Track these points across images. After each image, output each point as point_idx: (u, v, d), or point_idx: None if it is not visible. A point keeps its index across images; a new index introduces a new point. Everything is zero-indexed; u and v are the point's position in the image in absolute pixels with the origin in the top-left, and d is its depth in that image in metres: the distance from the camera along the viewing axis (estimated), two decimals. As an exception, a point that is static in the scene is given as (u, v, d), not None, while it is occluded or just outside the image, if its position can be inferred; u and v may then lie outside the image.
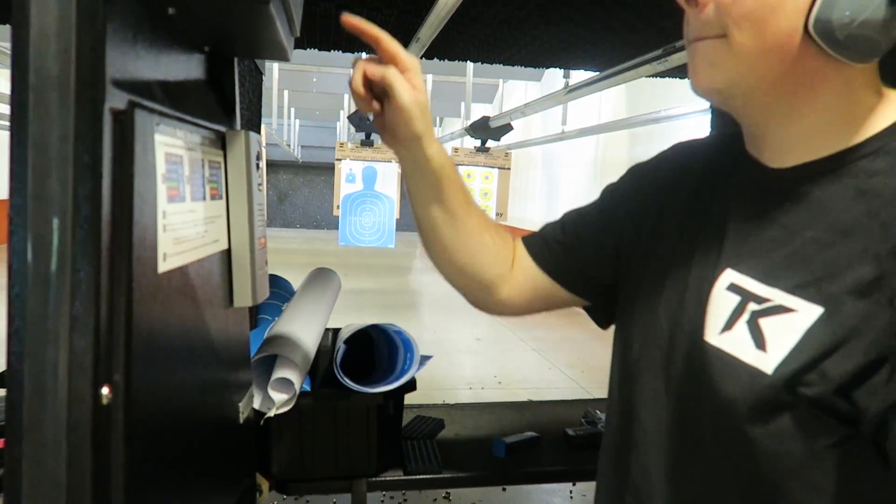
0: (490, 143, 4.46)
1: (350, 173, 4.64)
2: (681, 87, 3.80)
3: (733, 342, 0.63)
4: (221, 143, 0.77)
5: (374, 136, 3.91)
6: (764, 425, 0.60)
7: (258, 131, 1.41)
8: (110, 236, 0.47)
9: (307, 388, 1.21)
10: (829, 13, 0.57)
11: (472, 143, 4.59)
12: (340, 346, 1.17)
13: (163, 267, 0.56)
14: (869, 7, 0.56)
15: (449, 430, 1.56)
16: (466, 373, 5.18)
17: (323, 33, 1.74)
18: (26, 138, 0.42)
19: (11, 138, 0.43)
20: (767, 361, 0.60)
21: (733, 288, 0.65)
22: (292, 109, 10.17)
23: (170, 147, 0.58)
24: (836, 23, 0.57)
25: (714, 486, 0.66)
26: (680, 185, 0.78)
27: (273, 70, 7.01)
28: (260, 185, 0.83)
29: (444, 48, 1.94)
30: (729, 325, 0.64)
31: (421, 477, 1.29)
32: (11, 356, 0.44)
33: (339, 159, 4.68)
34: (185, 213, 0.62)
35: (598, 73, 2.35)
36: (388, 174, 4.05)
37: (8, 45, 0.43)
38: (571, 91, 3.00)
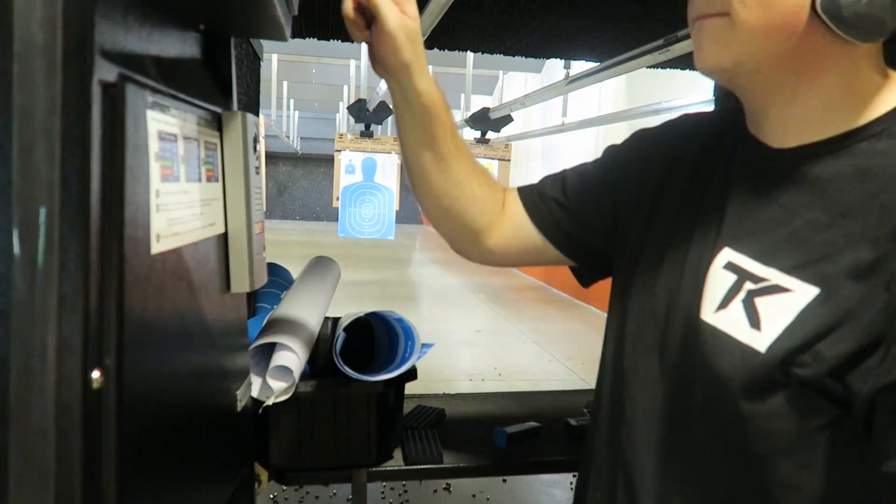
0: (490, 135, 4.44)
1: (349, 164, 4.62)
2: (682, 78, 3.79)
3: (728, 320, 0.63)
4: (218, 124, 0.75)
5: (374, 128, 3.89)
6: (756, 404, 0.60)
7: (258, 116, 1.39)
8: (100, 214, 0.45)
9: (307, 376, 1.19)
10: None
11: (472, 134, 4.58)
12: (340, 334, 1.16)
13: (156, 248, 0.54)
14: None
15: (450, 419, 1.55)
16: (466, 364, 5.18)
17: (321, 21, 1.72)
18: (10, 109, 0.40)
19: (-5, 109, 0.41)
20: (761, 340, 0.60)
21: (730, 267, 0.65)
22: (291, 101, 10.14)
23: (163, 124, 0.56)
24: (843, 1, 0.57)
25: (703, 462, 0.66)
26: (681, 159, 0.77)
27: (272, 60, 6.98)
28: (258, 168, 0.82)
29: (444, 38, 1.93)
30: (724, 304, 0.64)
31: (422, 467, 1.28)
32: (-3, 337, 0.42)
33: (339, 150, 4.66)
34: (179, 193, 0.60)
35: (598, 63, 2.33)
36: (388, 165, 4.04)
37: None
38: (572, 81, 2.98)
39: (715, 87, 1.72)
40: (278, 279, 1.48)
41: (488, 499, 2.91)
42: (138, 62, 0.53)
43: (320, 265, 1.41)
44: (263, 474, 1.12)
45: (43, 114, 0.41)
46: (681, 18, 0.68)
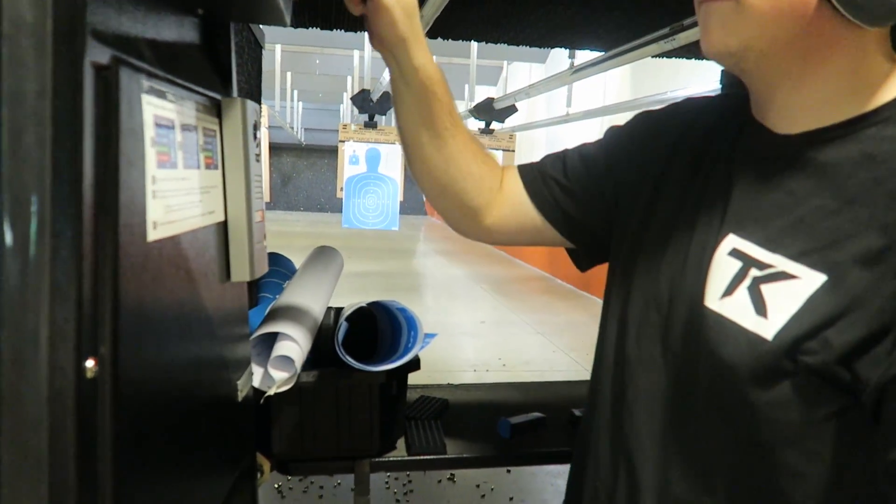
0: (494, 125, 4.42)
1: (353, 155, 4.61)
2: (687, 68, 3.75)
3: (733, 307, 0.62)
4: (217, 110, 0.74)
5: (378, 118, 3.88)
6: (763, 392, 0.59)
7: (260, 105, 1.38)
8: (93, 200, 0.44)
9: (309, 366, 1.18)
10: None
11: (476, 125, 4.56)
12: (342, 324, 1.15)
13: (153, 235, 0.53)
14: None
15: (453, 410, 1.55)
16: (470, 355, 5.18)
17: (324, 11, 1.71)
18: (0, 92, 0.39)
19: (-16, 91, 0.40)
20: (768, 327, 0.59)
21: (735, 253, 0.64)
22: (295, 91, 10.12)
23: (159, 109, 0.55)
24: None
25: (707, 450, 0.66)
26: (685, 143, 0.76)
27: (276, 51, 6.96)
28: (258, 155, 0.81)
29: (448, 27, 1.91)
30: (730, 291, 0.63)
31: (425, 457, 1.27)
32: (-12, 325, 0.42)
33: (343, 141, 4.65)
34: (176, 180, 0.59)
35: (603, 52, 2.31)
36: (392, 156, 4.02)
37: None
38: (577, 71, 2.96)
39: (721, 75, 1.70)
40: (281, 269, 1.47)
41: (493, 489, 2.91)
42: (133, 45, 0.52)
43: (323, 255, 1.40)
44: (266, 464, 1.12)
45: (33, 97, 0.40)
46: (686, 7, 0.67)
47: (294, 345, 1.04)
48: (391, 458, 1.26)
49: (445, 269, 9.63)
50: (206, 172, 0.69)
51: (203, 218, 0.68)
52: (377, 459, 1.24)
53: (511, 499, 2.85)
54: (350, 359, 1.12)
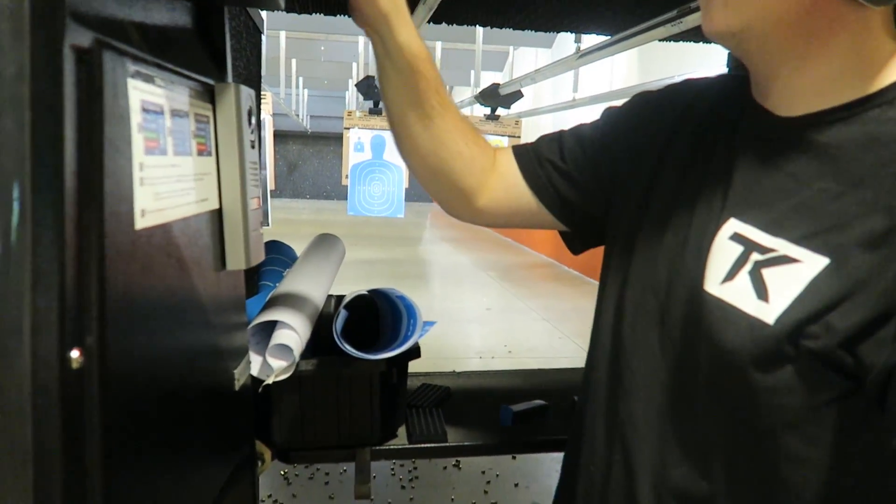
0: (500, 112, 4.39)
1: (358, 142, 4.59)
2: (695, 52, 3.72)
3: (734, 292, 0.61)
4: (210, 96, 0.73)
5: (383, 105, 3.86)
6: (764, 377, 0.59)
7: (259, 91, 1.37)
8: (77, 186, 0.43)
9: (310, 355, 1.18)
10: None
11: (481, 111, 4.53)
12: (340, 312, 1.14)
13: (141, 223, 0.52)
14: None
15: (456, 398, 1.54)
16: (476, 342, 5.18)
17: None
18: (-25, 75, 0.38)
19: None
20: (769, 312, 0.58)
21: (736, 237, 0.63)
22: (300, 79, 10.08)
23: (146, 94, 0.54)
24: None
25: (707, 435, 0.65)
26: (684, 126, 0.75)
27: (280, 38, 6.93)
28: (253, 142, 0.79)
29: (453, 12, 1.88)
30: (731, 276, 0.62)
31: (426, 445, 1.27)
32: (-33, 315, 0.41)
33: (348, 128, 4.63)
34: (166, 167, 0.58)
35: (610, 36, 2.28)
36: (397, 143, 3.99)
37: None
38: (583, 56, 2.94)
39: (728, 58, 1.68)
40: (282, 257, 1.46)
41: (497, 475, 2.92)
42: (118, 28, 0.51)
43: (324, 243, 1.39)
44: (267, 453, 1.12)
45: (11, 80, 0.39)
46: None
47: (293, 333, 1.03)
48: (392, 447, 1.26)
49: (451, 257, 9.63)
50: (198, 159, 0.68)
51: (196, 205, 0.67)
52: (378, 448, 1.24)
53: (516, 485, 2.86)
54: (349, 347, 1.11)
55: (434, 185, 0.86)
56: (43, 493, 0.43)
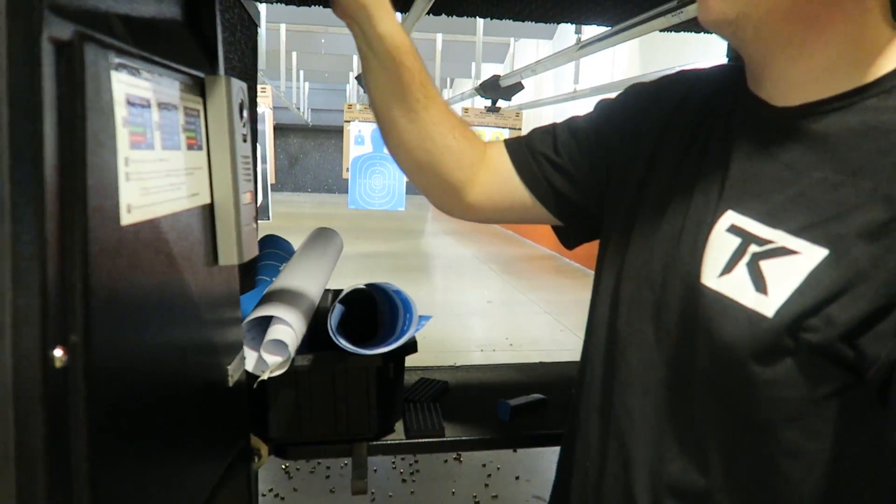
0: (501, 104, 4.37)
1: (359, 135, 4.58)
2: (696, 42, 3.70)
3: (732, 285, 0.60)
4: (200, 89, 0.72)
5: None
6: (763, 371, 0.58)
7: (254, 85, 1.36)
8: (58, 181, 0.42)
9: (306, 350, 1.17)
10: None
11: (482, 103, 4.51)
12: (335, 307, 1.13)
13: (127, 219, 0.51)
14: None
15: (454, 392, 1.53)
16: (477, 335, 5.18)
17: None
18: (-50, 69, 0.38)
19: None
20: (768, 304, 0.57)
21: (734, 230, 0.62)
22: (301, 72, 10.06)
23: (132, 88, 0.53)
24: None
25: (704, 429, 0.64)
26: (679, 117, 0.74)
27: (280, 31, 6.91)
28: (245, 135, 0.78)
29: (452, 3, 1.87)
30: (728, 269, 0.61)
31: (423, 440, 1.26)
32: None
33: (348, 121, 4.61)
34: (154, 161, 0.57)
35: (610, 27, 2.26)
36: (397, 135, 3.97)
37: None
38: (583, 47, 2.91)
39: (728, 49, 1.66)
40: (279, 251, 1.45)
41: (498, 468, 2.92)
42: (101, 21, 0.50)
43: (321, 237, 1.38)
44: (264, 448, 1.11)
45: (-13, 74, 0.38)
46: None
47: (288, 328, 1.03)
48: (389, 441, 1.25)
49: (453, 249, 9.62)
50: (189, 153, 0.67)
51: (186, 200, 0.66)
52: (375, 443, 1.23)
53: (517, 478, 2.86)
54: (343, 342, 1.10)
55: (422, 179, 0.85)
56: (27, 496, 0.42)
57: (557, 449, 0.91)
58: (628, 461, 0.71)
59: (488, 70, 6.23)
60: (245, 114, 0.78)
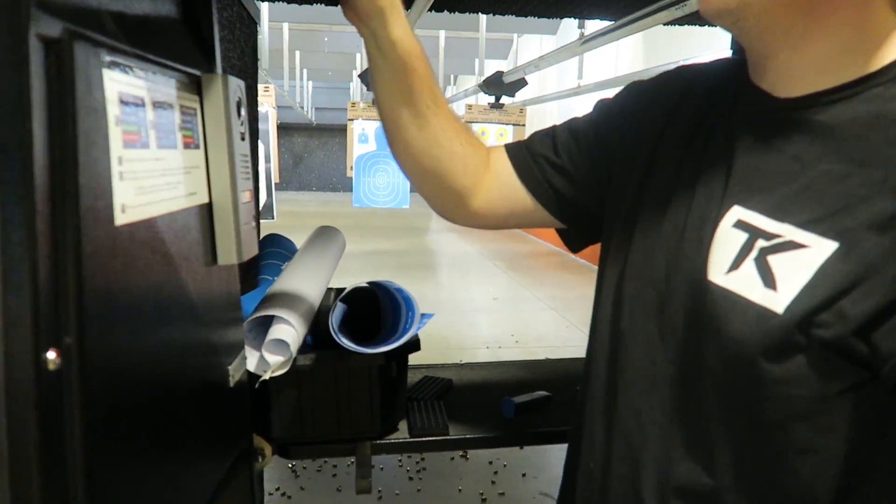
0: (504, 100, 4.35)
1: (363, 133, 4.57)
2: (700, 36, 3.68)
3: (740, 281, 0.59)
4: (197, 87, 0.71)
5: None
6: (774, 368, 0.57)
7: (255, 83, 1.35)
8: (48, 181, 0.42)
9: (308, 349, 1.17)
10: None
11: (486, 100, 4.49)
12: (337, 305, 1.13)
13: (122, 219, 0.51)
14: None
15: (458, 390, 1.53)
16: (483, 332, 5.17)
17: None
18: (-65, 67, 0.37)
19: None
20: (777, 300, 0.56)
21: (740, 225, 0.61)
22: (304, 70, 10.05)
23: (125, 86, 0.52)
24: None
25: (713, 427, 0.63)
26: (680, 113, 0.73)
27: (283, 29, 6.90)
28: (243, 134, 0.78)
29: (454, 0, 1.86)
30: (736, 265, 0.60)
31: (427, 439, 1.25)
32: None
33: (352, 119, 4.61)
34: (149, 161, 0.57)
35: (613, 22, 2.25)
36: (401, 133, 3.96)
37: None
38: (586, 41, 2.90)
39: (732, 41, 1.65)
40: (282, 250, 1.45)
41: (505, 465, 2.91)
42: (92, 18, 0.49)
43: (323, 235, 1.37)
44: (267, 448, 1.11)
45: (-27, 72, 0.38)
46: (696, -28, 0.64)
47: (289, 328, 1.02)
48: (392, 440, 1.25)
49: (458, 246, 9.61)
50: (185, 153, 0.66)
51: (184, 199, 0.65)
52: (378, 441, 1.23)
53: (524, 475, 2.85)
54: (345, 341, 1.10)
55: (427, 186, 0.84)
56: (21, 501, 0.42)
57: (565, 446, 0.90)
58: (636, 462, 0.70)
59: (492, 66, 6.21)
60: (243, 112, 0.78)
